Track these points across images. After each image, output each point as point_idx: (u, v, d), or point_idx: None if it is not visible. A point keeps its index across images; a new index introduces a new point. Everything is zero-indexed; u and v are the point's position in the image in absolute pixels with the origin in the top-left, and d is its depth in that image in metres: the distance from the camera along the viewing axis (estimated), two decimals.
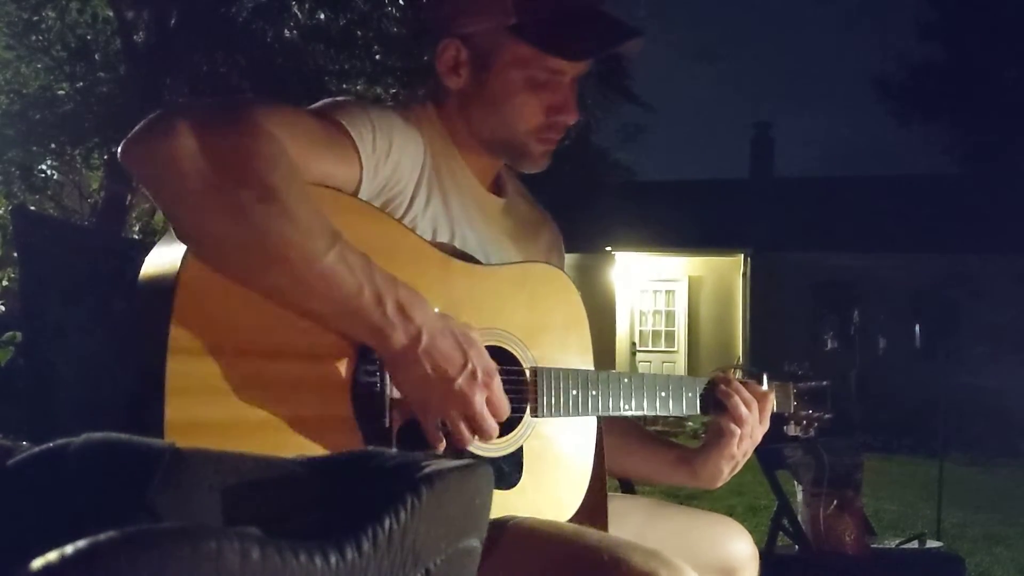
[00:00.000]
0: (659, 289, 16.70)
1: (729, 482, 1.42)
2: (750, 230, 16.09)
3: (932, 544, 3.17)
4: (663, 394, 1.35)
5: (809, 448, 2.81)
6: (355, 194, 1.10)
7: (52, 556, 0.39)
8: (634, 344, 16.40)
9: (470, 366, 1.02)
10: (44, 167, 12.00)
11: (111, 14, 10.42)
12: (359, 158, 1.09)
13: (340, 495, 0.56)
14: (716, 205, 17.24)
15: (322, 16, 10.97)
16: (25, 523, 0.49)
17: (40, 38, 10.68)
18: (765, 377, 1.49)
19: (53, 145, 11.11)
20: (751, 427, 1.37)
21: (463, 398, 1.02)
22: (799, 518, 2.83)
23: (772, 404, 1.41)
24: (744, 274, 16.21)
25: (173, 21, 10.43)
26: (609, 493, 1.37)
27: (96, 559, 0.40)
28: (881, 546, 3.01)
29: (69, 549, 0.40)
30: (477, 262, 1.20)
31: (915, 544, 3.07)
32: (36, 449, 0.53)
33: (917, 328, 5.85)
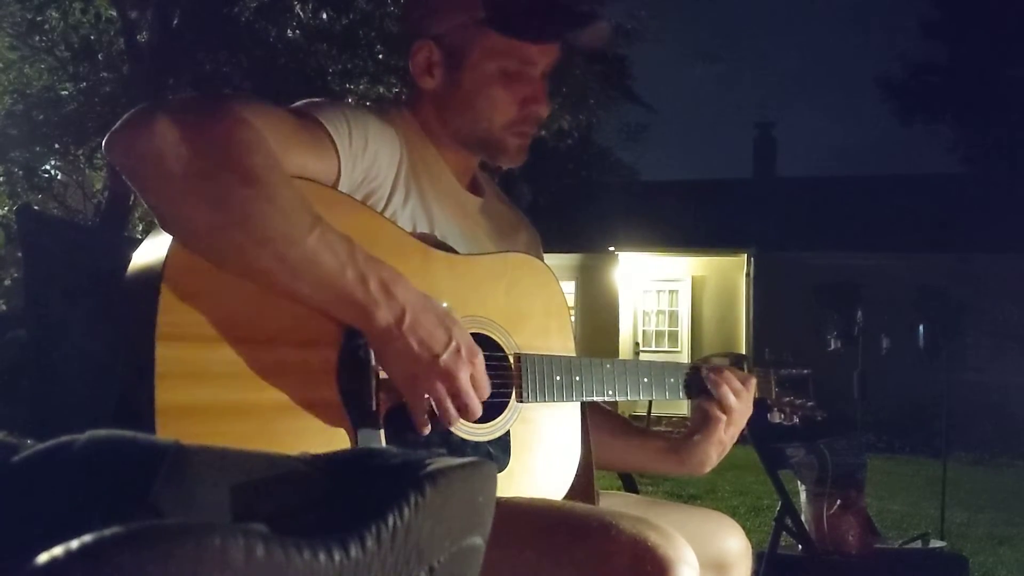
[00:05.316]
0: (662, 289, 16.70)
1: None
2: (753, 230, 16.08)
3: (935, 544, 3.17)
4: (645, 380, 1.37)
5: (812, 448, 2.81)
6: (334, 187, 1.11)
7: (57, 552, 0.40)
8: (637, 344, 16.40)
9: (454, 343, 1.03)
10: (48, 167, 12.03)
11: (114, 14, 10.44)
12: (336, 151, 1.11)
13: (344, 493, 0.56)
14: (719, 205, 17.23)
15: (325, 16, 10.98)
16: (29, 520, 0.49)
17: (43, 38, 10.71)
18: (745, 364, 1.51)
19: (57, 145, 11.15)
20: (738, 414, 1.41)
21: (448, 374, 1.03)
22: (802, 518, 2.83)
23: (754, 388, 1.46)
24: (747, 274, 16.20)
25: (176, 21, 10.45)
26: (604, 491, 1.38)
27: (100, 555, 0.40)
28: (884, 546, 3.01)
29: (74, 545, 0.40)
30: (456, 253, 1.21)
31: (918, 544, 3.07)
32: (40, 446, 0.53)
33: (921, 328, 5.84)
